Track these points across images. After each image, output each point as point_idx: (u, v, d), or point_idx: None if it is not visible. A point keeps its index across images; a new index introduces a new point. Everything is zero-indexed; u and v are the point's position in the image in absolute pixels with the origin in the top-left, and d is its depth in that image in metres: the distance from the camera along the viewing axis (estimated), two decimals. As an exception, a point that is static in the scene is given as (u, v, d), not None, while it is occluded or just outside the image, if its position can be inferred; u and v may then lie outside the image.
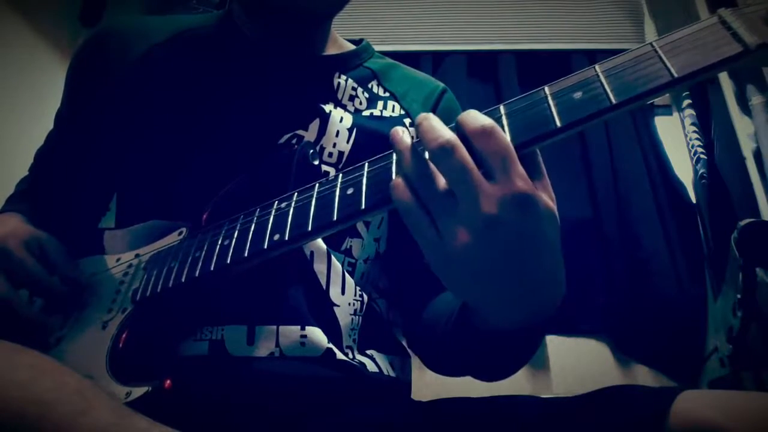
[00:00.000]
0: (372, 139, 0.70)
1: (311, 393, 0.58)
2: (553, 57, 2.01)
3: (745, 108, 1.71)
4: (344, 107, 0.73)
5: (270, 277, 0.59)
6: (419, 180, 0.40)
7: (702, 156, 1.74)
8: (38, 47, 1.80)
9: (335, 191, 0.47)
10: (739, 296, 1.26)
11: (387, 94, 0.78)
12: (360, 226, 0.70)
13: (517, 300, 0.42)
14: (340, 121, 0.70)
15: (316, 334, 0.59)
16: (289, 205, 0.51)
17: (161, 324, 0.58)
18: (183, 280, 0.55)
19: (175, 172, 0.66)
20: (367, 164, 0.47)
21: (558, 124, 0.39)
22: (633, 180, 1.75)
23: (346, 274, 0.66)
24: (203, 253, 0.55)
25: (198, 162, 0.66)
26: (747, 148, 1.63)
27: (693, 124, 1.82)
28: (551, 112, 0.40)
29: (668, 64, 0.37)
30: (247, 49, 0.74)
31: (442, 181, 0.40)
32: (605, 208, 1.74)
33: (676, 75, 0.37)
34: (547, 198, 0.41)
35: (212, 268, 0.53)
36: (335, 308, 0.63)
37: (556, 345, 1.65)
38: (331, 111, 0.70)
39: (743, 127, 1.67)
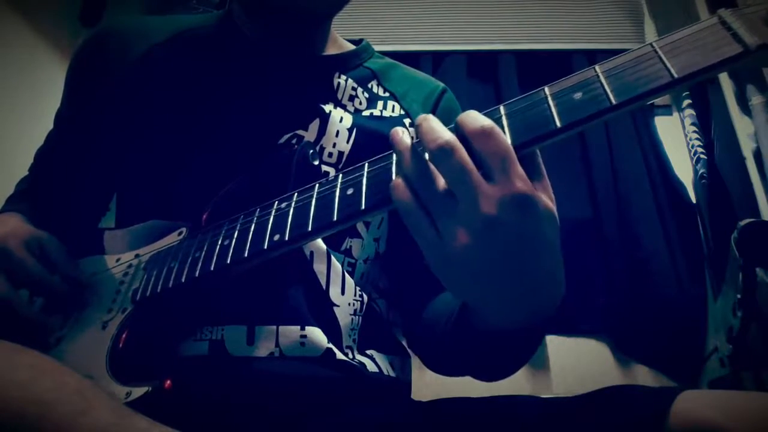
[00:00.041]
0: (372, 139, 0.70)
1: (311, 393, 0.58)
2: (553, 57, 2.01)
3: (745, 108, 1.71)
4: (344, 107, 0.73)
5: (270, 277, 0.59)
6: (419, 180, 0.40)
7: (702, 156, 1.74)
8: (38, 47, 1.79)
9: (335, 191, 0.47)
10: (739, 296, 1.26)
11: (387, 94, 0.78)
12: (360, 227, 0.70)
13: (517, 300, 0.42)
14: (340, 121, 0.70)
15: (316, 334, 0.59)
16: (289, 206, 0.51)
17: (161, 324, 0.58)
18: (183, 280, 0.55)
19: (175, 172, 0.66)
20: (367, 164, 0.47)
21: (558, 124, 0.39)
22: (633, 180, 1.75)
23: (346, 274, 0.66)
24: (203, 253, 0.55)
25: (198, 162, 0.66)
26: (747, 148, 1.63)
27: (693, 124, 1.82)
28: (551, 112, 0.40)
29: (668, 65, 0.37)
30: (247, 49, 0.74)
31: (442, 182, 0.40)
32: (605, 209, 1.74)
33: (676, 75, 0.37)
34: (547, 199, 0.41)
35: (212, 269, 0.53)
36: (335, 308, 0.63)
37: (556, 345, 1.65)
38: (331, 111, 0.70)
39: (743, 127, 1.67)
